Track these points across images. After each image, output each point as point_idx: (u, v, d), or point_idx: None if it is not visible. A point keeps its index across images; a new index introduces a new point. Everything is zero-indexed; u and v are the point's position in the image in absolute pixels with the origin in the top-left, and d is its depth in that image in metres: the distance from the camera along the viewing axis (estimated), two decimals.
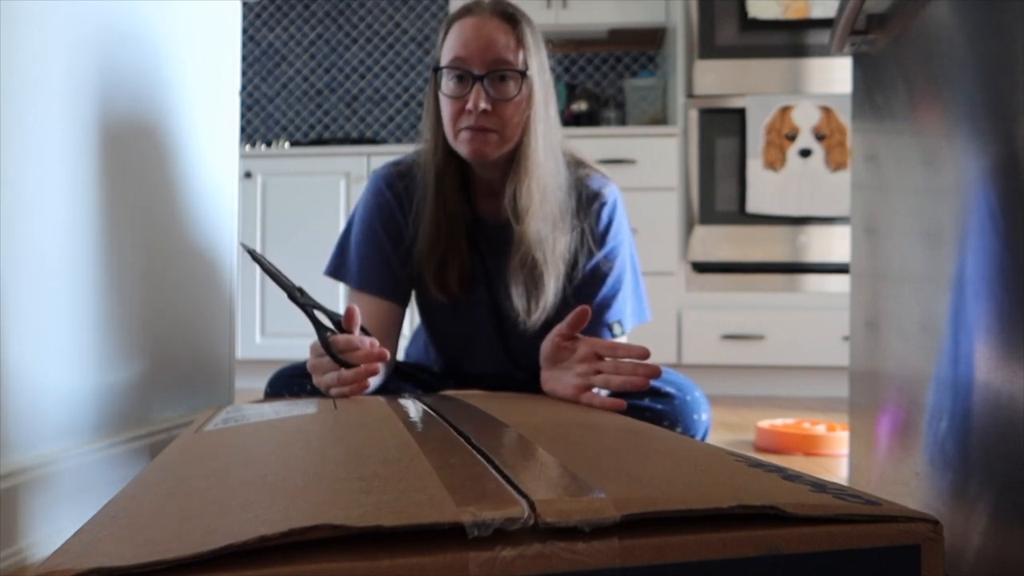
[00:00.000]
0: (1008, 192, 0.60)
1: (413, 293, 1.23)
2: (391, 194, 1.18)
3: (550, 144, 1.12)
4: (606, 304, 1.16)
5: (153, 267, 1.10)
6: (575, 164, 1.20)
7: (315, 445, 0.58)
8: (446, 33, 1.10)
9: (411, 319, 2.58)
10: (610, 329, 1.17)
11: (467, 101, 1.06)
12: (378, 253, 1.17)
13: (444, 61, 1.09)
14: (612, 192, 1.19)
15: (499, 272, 1.16)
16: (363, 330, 0.98)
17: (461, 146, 1.09)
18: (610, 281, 1.17)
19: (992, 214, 0.62)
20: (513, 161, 1.10)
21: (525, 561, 0.35)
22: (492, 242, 1.17)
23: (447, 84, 1.08)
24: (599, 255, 1.17)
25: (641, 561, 0.37)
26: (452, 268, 1.13)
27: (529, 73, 1.08)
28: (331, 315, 0.96)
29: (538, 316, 1.12)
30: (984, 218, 0.63)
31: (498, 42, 1.07)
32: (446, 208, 1.12)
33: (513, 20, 1.09)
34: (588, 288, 1.16)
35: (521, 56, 1.08)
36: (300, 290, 0.96)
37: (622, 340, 1.18)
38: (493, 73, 1.06)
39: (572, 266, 1.16)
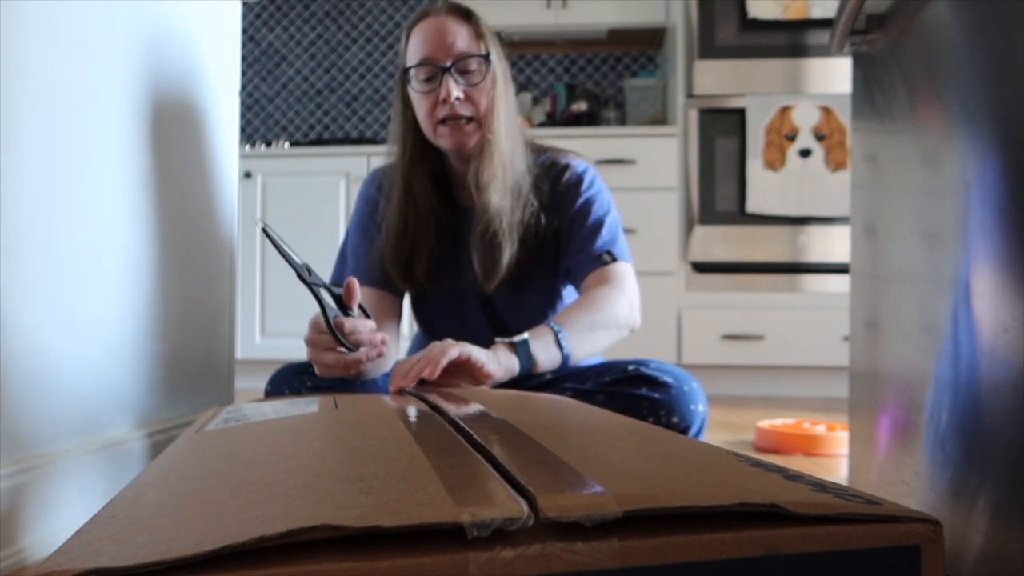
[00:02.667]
0: (1008, 192, 0.60)
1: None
2: (377, 191, 1.27)
3: (511, 125, 1.20)
4: (591, 237, 1.20)
5: (153, 267, 1.10)
6: (539, 150, 1.28)
7: (315, 445, 0.58)
8: (407, 38, 1.18)
9: (412, 324, 2.58)
10: (600, 259, 1.19)
11: (439, 93, 1.13)
12: (371, 246, 1.24)
13: (411, 62, 1.16)
14: (583, 163, 1.27)
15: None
16: (361, 309, 1.02)
17: (442, 140, 1.17)
18: (591, 219, 1.21)
19: (992, 214, 0.62)
20: (480, 144, 1.17)
21: (525, 561, 0.35)
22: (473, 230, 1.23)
23: (418, 82, 1.16)
24: (577, 203, 1.22)
25: (641, 561, 0.37)
26: (419, 261, 1.20)
27: (491, 58, 1.16)
28: (335, 297, 0.99)
29: (495, 281, 1.19)
30: (984, 218, 0.63)
31: (459, 34, 1.15)
32: (415, 205, 1.19)
33: (467, 14, 1.18)
34: (574, 232, 1.21)
35: (482, 45, 1.17)
36: (308, 269, 0.98)
37: (617, 268, 1.18)
38: (459, 62, 1.14)
39: (536, 231, 1.21)
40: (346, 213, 2.82)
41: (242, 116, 3.42)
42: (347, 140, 3.19)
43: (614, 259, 1.19)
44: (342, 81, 3.44)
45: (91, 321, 0.97)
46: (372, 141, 3.19)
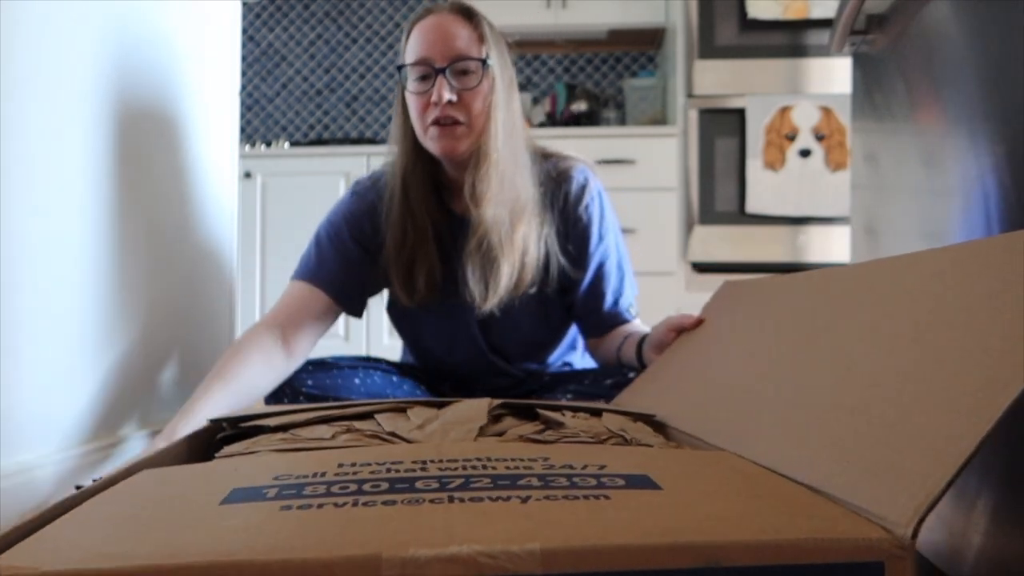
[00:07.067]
0: (1007, 192, 0.60)
1: (393, 302, 1.24)
2: (364, 203, 1.20)
3: (510, 134, 1.14)
4: (619, 293, 1.23)
5: (153, 267, 1.10)
6: (545, 157, 1.22)
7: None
8: (408, 35, 1.14)
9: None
10: (628, 312, 1.23)
11: (432, 95, 1.09)
12: (340, 254, 1.18)
13: (408, 60, 1.12)
14: (594, 184, 1.22)
15: None
16: None
17: (431, 143, 1.11)
18: (615, 273, 1.23)
19: (992, 214, 0.62)
20: (475, 151, 1.12)
21: (443, 563, 0.33)
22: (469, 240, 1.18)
23: (412, 82, 1.11)
24: (599, 251, 1.21)
25: (563, 569, 0.33)
26: (420, 271, 1.15)
27: (489, 63, 1.11)
28: None
29: (493, 301, 1.13)
30: (983, 218, 0.63)
31: (458, 36, 1.10)
32: (412, 212, 1.14)
33: (470, 14, 1.13)
34: (599, 285, 1.22)
35: (482, 48, 1.11)
36: None
37: (636, 323, 1.23)
38: (455, 65, 1.09)
39: (545, 249, 1.18)
40: None
41: (242, 116, 3.42)
42: (347, 140, 3.19)
43: (637, 311, 1.25)
44: (342, 81, 3.44)
45: (90, 322, 0.96)
46: (372, 141, 3.19)
